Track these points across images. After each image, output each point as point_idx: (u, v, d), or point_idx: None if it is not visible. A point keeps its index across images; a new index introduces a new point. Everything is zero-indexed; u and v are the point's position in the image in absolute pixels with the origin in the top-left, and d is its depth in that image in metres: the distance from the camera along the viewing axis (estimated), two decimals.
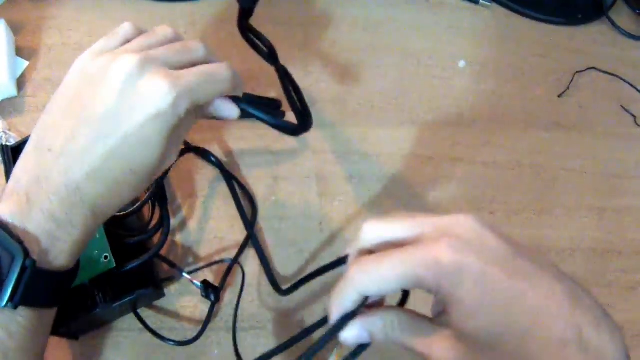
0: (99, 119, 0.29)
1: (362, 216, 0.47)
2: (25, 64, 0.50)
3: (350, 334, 0.28)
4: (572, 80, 0.56)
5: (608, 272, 0.48)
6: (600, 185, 0.52)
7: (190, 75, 0.31)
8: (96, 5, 0.54)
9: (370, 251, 0.28)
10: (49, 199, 0.29)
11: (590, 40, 0.60)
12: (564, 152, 0.53)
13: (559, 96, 0.56)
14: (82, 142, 0.29)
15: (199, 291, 0.42)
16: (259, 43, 0.42)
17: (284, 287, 0.42)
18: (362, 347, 0.30)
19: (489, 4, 0.59)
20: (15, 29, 0.51)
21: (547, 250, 0.48)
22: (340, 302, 0.28)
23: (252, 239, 0.44)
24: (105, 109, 0.29)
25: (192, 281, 0.41)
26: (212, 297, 0.41)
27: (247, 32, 0.41)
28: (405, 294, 0.31)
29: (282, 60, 0.53)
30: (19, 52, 0.50)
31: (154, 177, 0.33)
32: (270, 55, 0.42)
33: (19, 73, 0.50)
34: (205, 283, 0.41)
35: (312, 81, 0.52)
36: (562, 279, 0.26)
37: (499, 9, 0.60)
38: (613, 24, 0.60)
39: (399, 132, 0.51)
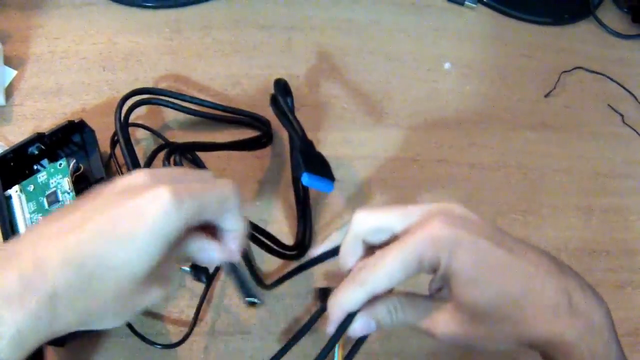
0: (87, 201, 0.27)
1: (346, 219, 0.47)
2: (13, 73, 0.51)
3: (359, 327, 0.29)
4: (558, 80, 0.56)
5: (596, 271, 0.48)
6: (588, 184, 0.52)
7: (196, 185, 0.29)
8: (82, 13, 0.54)
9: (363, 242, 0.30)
10: (10, 269, 0.25)
11: (577, 39, 0.59)
12: (550, 152, 0.53)
13: (545, 96, 0.56)
14: (65, 223, 0.27)
15: (185, 295, 0.42)
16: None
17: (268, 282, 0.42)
18: (365, 336, 0.31)
19: (474, 5, 0.59)
20: (3, 38, 0.52)
21: None
22: (348, 304, 0.29)
23: None
24: (96, 196, 0.28)
25: (181, 267, 0.42)
26: (204, 279, 0.41)
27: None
28: None
29: (266, 65, 0.54)
30: (7, 61, 0.51)
31: (135, 303, 0.28)
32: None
33: (7, 82, 0.50)
34: (194, 266, 0.41)
35: (296, 85, 0.52)
36: (545, 252, 0.29)
37: (484, 10, 0.60)
38: (600, 22, 0.60)
39: (383, 134, 0.51)
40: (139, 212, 0.26)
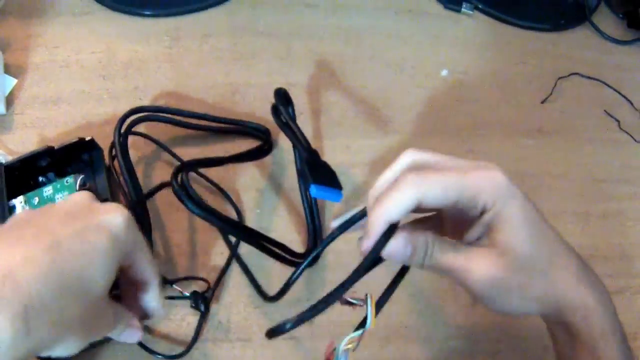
0: (35, 218, 0.29)
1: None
2: (13, 81, 0.51)
3: (397, 246, 0.29)
4: (555, 86, 0.57)
5: None
6: (585, 190, 0.52)
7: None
8: (82, 22, 0.55)
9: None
10: None
11: (573, 45, 0.60)
12: (547, 158, 0.53)
13: (542, 102, 0.56)
14: (25, 234, 0.28)
15: (186, 304, 0.42)
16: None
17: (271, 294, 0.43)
18: (397, 279, 0.31)
19: (471, 12, 0.59)
20: (3, 46, 0.52)
21: None
22: (395, 208, 0.28)
23: (234, 253, 0.45)
24: (43, 214, 0.30)
25: (181, 292, 0.42)
26: (202, 307, 0.42)
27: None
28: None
29: (265, 72, 0.54)
30: (7, 69, 0.51)
31: (93, 327, 0.30)
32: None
33: (8, 91, 0.50)
34: (194, 293, 0.42)
35: (295, 92, 0.52)
36: None
37: (481, 16, 0.61)
38: (596, 28, 0.61)
39: (382, 141, 0.52)
40: (102, 225, 0.29)
